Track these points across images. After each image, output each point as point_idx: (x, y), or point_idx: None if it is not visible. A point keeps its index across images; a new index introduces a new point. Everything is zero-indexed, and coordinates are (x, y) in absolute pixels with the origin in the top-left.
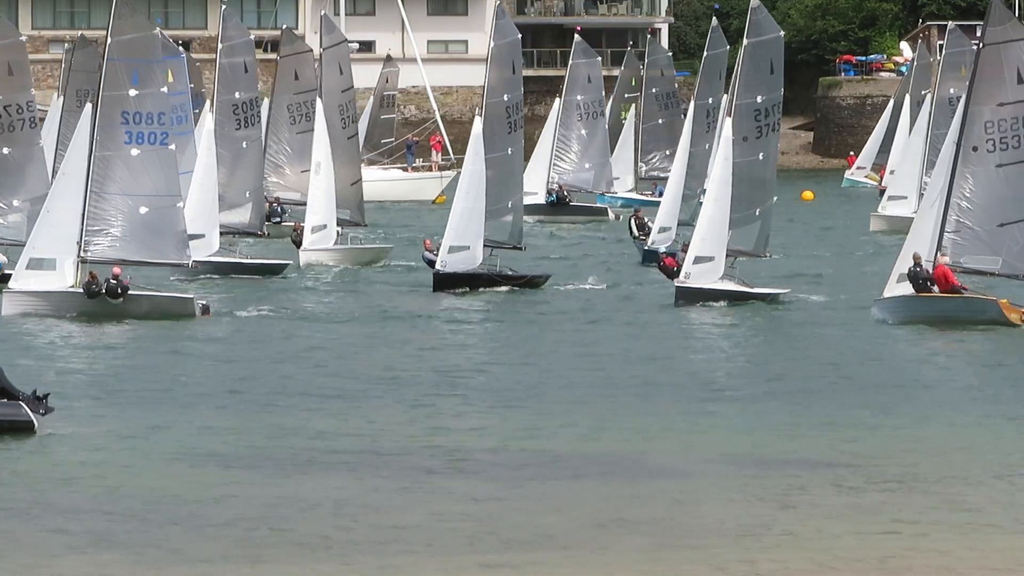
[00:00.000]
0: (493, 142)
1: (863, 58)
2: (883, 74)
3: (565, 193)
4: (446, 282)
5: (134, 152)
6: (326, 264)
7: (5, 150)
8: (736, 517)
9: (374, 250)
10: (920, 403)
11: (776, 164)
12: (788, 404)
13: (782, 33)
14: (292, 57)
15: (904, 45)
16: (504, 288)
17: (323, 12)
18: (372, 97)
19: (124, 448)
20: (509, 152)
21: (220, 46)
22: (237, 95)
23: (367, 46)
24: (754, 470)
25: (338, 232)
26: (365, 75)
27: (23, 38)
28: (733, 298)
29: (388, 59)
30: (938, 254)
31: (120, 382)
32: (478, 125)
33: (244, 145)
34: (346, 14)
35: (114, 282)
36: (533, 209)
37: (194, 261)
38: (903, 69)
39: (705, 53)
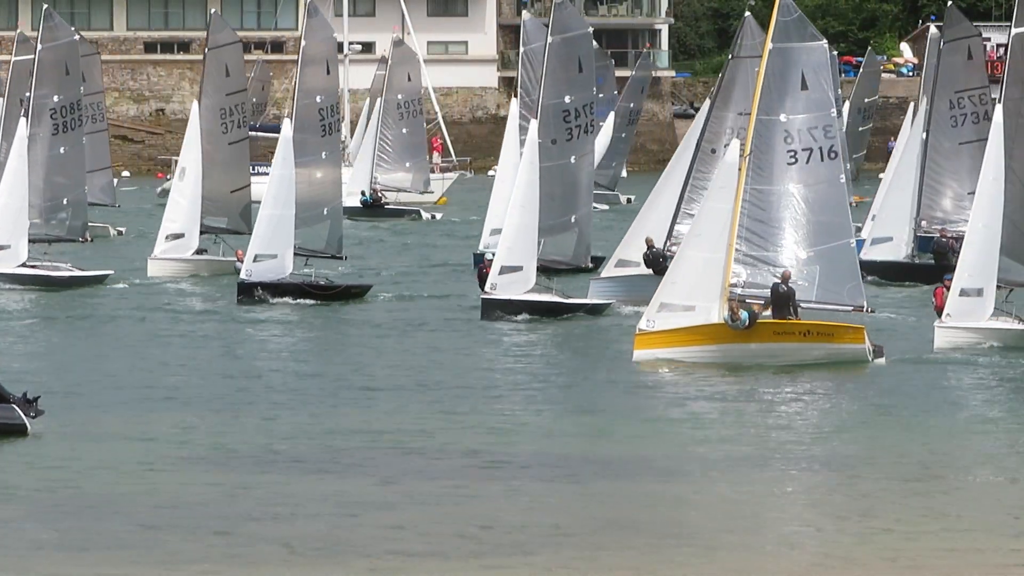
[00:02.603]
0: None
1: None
2: (884, 75)
3: (380, 195)
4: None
5: None
6: (173, 275)
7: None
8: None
9: (224, 263)
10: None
11: (593, 168)
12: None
13: (590, 29)
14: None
15: (904, 46)
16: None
17: (213, 10)
18: (369, 99)
19: (115, 449)
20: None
21: (40, 46)
22: (318, 99)
23: (367, 47)
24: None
25: (215, 240)
26: (365, 76)
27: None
28: (541, 311)
29: (383, 60)
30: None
31: (104, 382)
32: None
33: (62, 151)
34: (348, 15)
35: None
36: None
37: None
38: (904, 70)
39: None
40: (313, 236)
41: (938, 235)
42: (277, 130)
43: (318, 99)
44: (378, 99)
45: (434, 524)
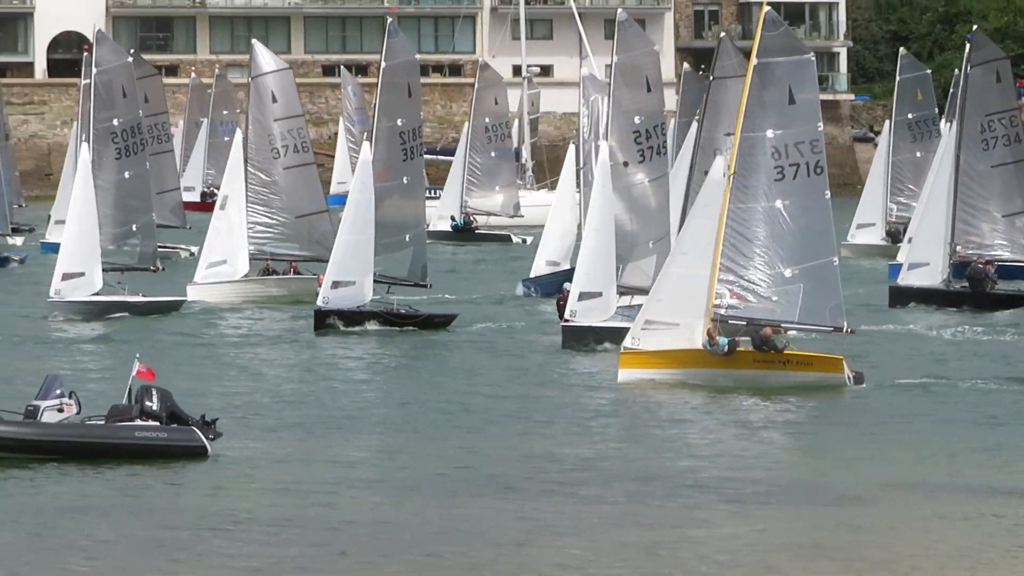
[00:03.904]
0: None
1: None
2: None
3: (472, 219)
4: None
5: None
6: (214, 301)
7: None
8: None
9: (270, 282)
10: None
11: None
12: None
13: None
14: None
15: None
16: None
17: (254, 41)
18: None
19: (295, 471)
20: (405, 181)
21: (96, 69)
22: (116, 122)
23: (545, 70)
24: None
25: (269, 271)
26: (547, 99)
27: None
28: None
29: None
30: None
31: (279, 405)
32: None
33: (127, 175)
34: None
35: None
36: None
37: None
38: None
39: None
40: (396, 263)
41: (974, 260)
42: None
43: (399, 122)
44: (465, 123)
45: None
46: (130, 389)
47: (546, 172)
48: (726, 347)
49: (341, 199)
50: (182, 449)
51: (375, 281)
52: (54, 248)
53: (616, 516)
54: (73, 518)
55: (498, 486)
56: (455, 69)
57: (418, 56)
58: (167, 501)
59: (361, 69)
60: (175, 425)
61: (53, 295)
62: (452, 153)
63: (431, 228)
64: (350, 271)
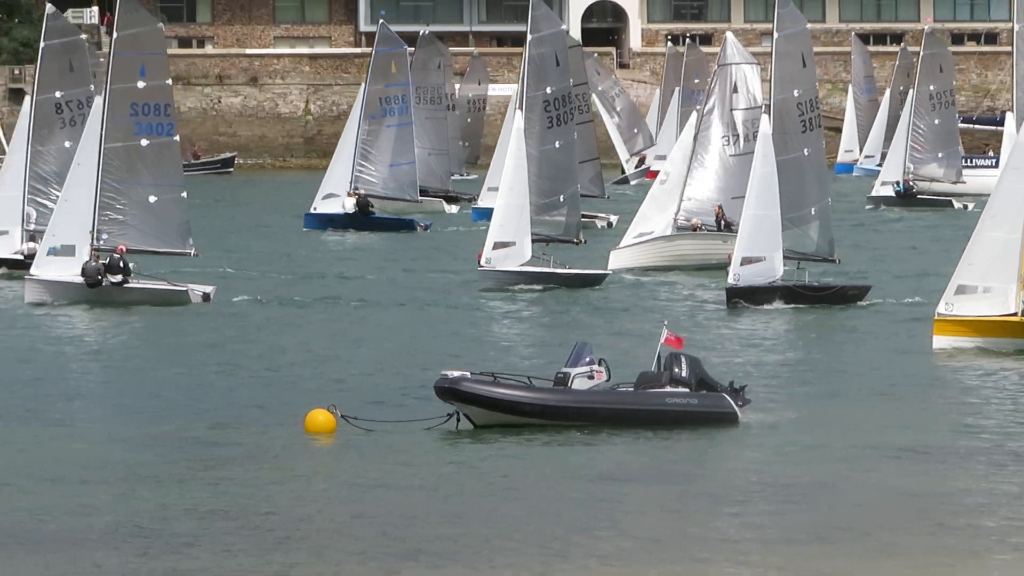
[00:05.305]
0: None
1: None
2: None
3: (912, 184)
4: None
5: (143, 142)
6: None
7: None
8: None
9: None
10: None
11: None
12: None
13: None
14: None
15: None
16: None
17: (728, 34)
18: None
19: (823, 437)
20: (805, 153)
21: (529, 37)
22: (548, 90)
23: None
24: None
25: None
26: None
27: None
28: None
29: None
30: None
31: (792, 374)
32: (766, 124)
33: (557, 145)
34: None
35: (117, 256)
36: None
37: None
38: None
39: None
40: (802, 238)
41: None
42: (993, 123)
43: (795, 93)
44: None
45: None
46: (659, 356)
47: None
48: None
49: (849, 167)
50: (712, 415)
51: (784, 258)
52: (486, 215)
53: None
54: (607, 485)
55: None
56: (991, 37)
57: (952, 24)
58: (699, 468)
59: (895, 38)
60: (705, 392)
61: (484, 264)
62: (990, 123)
63: (873, 194)
64: (759, 247)
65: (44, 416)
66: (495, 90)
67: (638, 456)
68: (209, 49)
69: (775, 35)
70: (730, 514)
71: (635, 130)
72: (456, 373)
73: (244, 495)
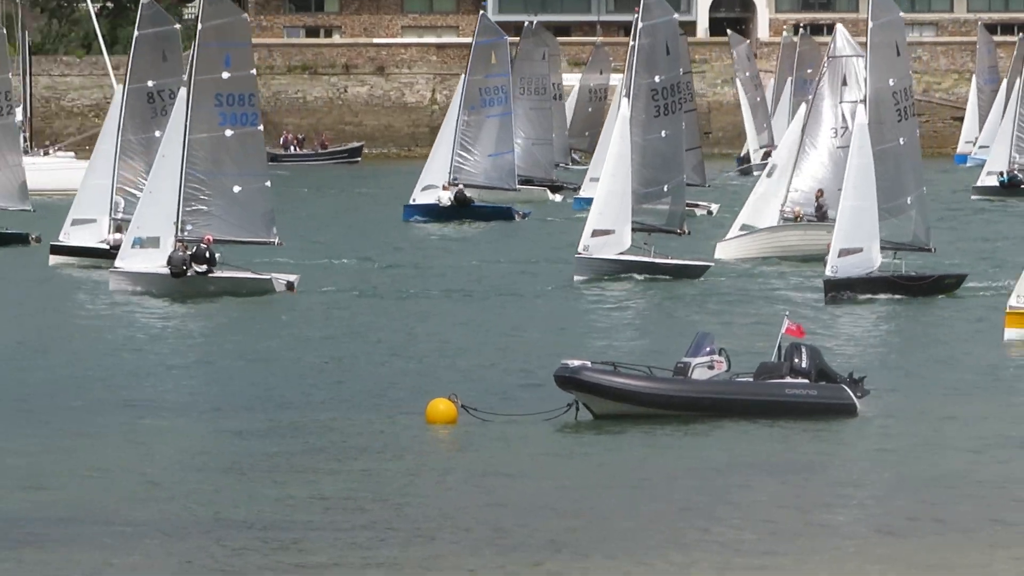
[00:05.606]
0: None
1: None
2: None
3: (1016, 174)
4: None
5: (228, 133)
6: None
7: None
8: None
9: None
10: None
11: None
12: None
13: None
14: None
15: None
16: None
17: (838, 25)
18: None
19: (942, 430)
20: (901, 142)
21: (640, 25)
22: (657, 79)
23: None
24: None
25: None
26: None
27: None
28: None
29: None
30: None
31: (915, 366)
32: (862, 114)
33: (663, 134)
34: None
35: (204, 246)
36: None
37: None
38: None
39: None
40: (899, 228)
41: None
42: None
43: (891, 82)
44: (1016, 80)
45: None
46: (779, 346)
47: None
48: None
49: (964, 158)
50: (832, 406)
51: (881, 248)
52: (588, 204)
53: None
54: (729, 477)
55: None
56: None
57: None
58: (820, 459)
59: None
60: (824, 383)
61: (581, 250)
62: None
63: (978, 184)
64: (856, 238)
65: (153, 409)
66: (616, 80)
67: (758, 447)
68: (336, 39)
69: (870, 24)
70: (853, 505)
71: (766, 124)
72: (577, 362)
73: (372, 487)
